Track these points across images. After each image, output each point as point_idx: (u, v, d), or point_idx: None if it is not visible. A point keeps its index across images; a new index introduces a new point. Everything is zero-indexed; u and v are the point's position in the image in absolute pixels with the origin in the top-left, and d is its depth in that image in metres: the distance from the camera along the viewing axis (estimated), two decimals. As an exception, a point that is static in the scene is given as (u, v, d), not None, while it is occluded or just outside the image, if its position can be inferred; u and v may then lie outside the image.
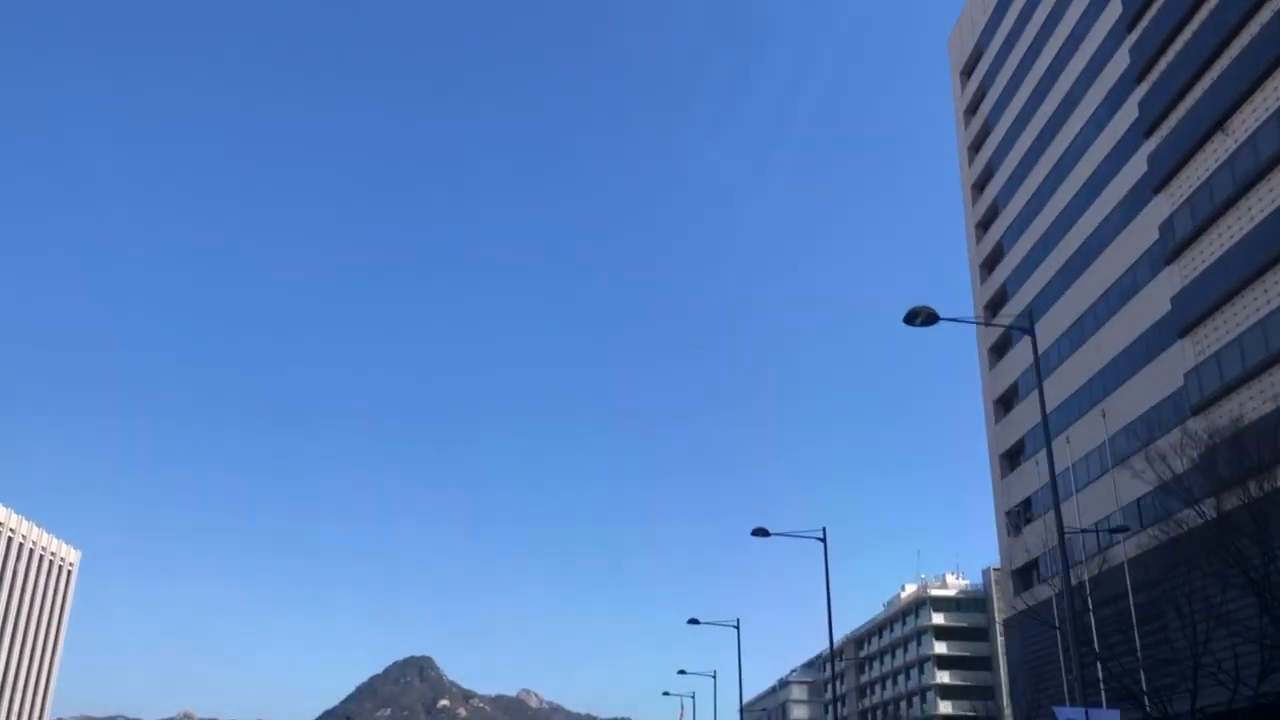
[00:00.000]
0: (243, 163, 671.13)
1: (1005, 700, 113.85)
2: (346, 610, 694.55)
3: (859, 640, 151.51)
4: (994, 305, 72.49)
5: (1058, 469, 61.86)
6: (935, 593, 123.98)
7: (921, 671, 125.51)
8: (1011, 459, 70.62)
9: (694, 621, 63.41)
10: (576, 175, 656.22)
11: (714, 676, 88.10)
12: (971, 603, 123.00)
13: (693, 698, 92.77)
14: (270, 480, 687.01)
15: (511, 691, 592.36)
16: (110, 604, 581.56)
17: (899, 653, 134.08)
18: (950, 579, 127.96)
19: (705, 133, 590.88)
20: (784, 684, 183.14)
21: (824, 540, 42.82)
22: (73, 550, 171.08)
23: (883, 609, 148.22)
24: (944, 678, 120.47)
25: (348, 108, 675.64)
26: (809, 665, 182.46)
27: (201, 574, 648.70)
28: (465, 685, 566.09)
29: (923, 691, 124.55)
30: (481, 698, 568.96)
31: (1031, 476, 66.04)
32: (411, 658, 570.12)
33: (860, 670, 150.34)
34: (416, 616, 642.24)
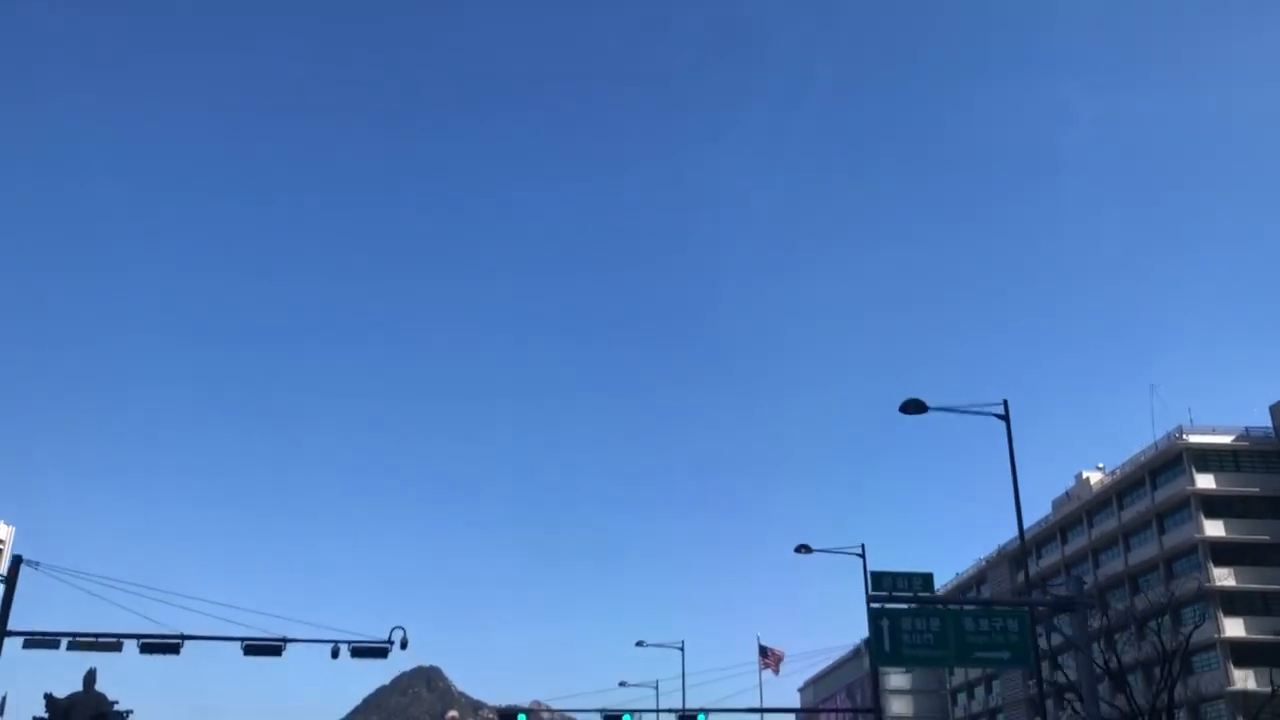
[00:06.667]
0: (242, 162, 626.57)
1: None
2: (349, 618, 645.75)
3: (1014, 558, 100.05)
4: None
5: None
6: (1199, 439, 72.72)
7: (1170, 575, 74.47)
8: None
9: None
10: (578, 176, 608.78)
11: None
12: (1261, 458, 71.85)
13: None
14: (264, 483, 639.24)
15: (523, 702, 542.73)
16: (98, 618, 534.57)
17: (1109, 557, 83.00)
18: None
19: (707, 133, 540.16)
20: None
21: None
22: (2, 525, 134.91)
23: (1051, 509, 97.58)
24: (1225, 578, 69.52)
25: (344, 111, 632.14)
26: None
27: (194, 590, 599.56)
28: (474, 696, 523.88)
29: (1173, 609, 73.49)
30: (491, 709, 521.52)
31: None
32: (419, 668, 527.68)
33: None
34: (422, 625, 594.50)
